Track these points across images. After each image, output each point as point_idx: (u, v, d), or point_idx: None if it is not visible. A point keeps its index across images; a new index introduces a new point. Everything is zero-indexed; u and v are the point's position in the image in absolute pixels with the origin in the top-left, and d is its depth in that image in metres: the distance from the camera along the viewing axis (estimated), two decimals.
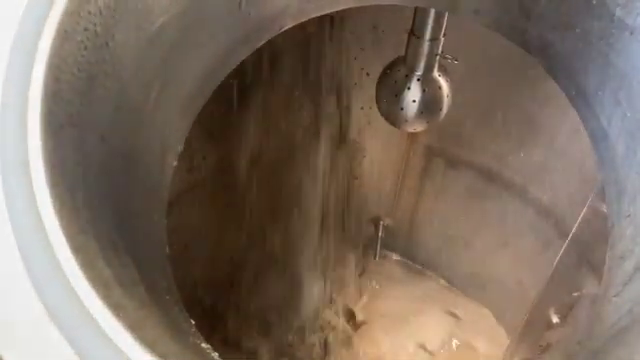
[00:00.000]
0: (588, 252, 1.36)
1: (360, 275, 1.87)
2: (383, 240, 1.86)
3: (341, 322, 1.74)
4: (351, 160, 1.71)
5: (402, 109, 1.09)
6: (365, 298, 1.81)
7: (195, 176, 1.46)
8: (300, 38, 1.33)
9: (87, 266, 0.44)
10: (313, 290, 1.72)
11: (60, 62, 0.52)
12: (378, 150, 1.70)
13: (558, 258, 1.40)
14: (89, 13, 0.55)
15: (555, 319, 1.50)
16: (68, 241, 0.44)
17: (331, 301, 1.78)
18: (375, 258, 1.88)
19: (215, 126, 1.39)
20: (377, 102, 1.15)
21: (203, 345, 0.63)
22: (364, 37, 1.42)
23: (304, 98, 1.52)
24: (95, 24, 0.56)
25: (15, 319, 0.42)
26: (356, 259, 1.88)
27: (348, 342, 1.70)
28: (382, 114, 1.14)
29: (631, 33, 0.64)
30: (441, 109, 1.10)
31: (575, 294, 1.44)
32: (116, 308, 0.44)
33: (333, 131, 1.61)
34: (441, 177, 1.68)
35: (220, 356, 0.55)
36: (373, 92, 1.22)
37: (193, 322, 0.68)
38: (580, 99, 0.75)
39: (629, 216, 0.68)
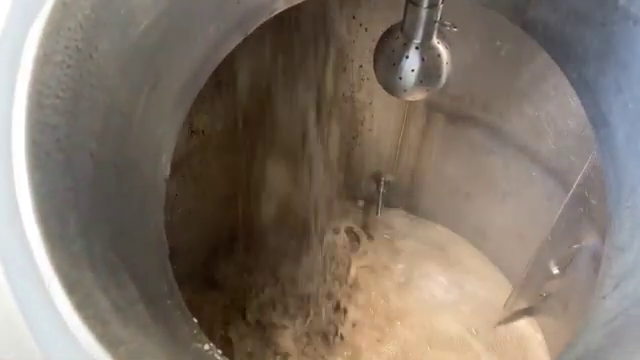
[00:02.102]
0: (589, 206, 1.36)
1: (362, 229, 1.88)
2: (385, 196, 1.86)
3: (346, 276, 1.77)
4: (351, 116, 1.69)
5: (400, 78, 1.06)
6: (368, 251, 1.84)
7: (194, 142, 1.45)
8: None
9: (82, 305, 0.45)
10: (315, 247, 1.74)
11: (42, 87, 0.50)
12: (378, 106, 1.67)
13: (560, 211, 1.41)
14: (69, 30, 0.53)
15: (555, 270, 1.53)
16: (61, 280, 0.45)
17: (334, 257, 1.80)
18: (377, 214, 1.89)
19: (209, 88, 1.37)
20: (375, 71, 1.12)
21: (206, 347, 0.65)
22: None
23: (301, 56, 1.49)
24: (76, 39, 0.54)
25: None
26: (358, 214, 1.90)
27: (354, 296, 1.73)
28: (380, 83, 1.11)
29: (634, 22, 0.61)
30: (440, 77, 1.07)
31: (575, 246, 1.46)
32: (112, 345, 0.44)
33: (331, 88, 1.58)
34: (442, 132, 1.66)
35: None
36: (371, 48, 1.19)
37: (196, 320, 0.70)
38: (581, 84, 0.73)
39: (628, 207, 0.68)
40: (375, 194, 1.87)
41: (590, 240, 1.40)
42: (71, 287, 0.45)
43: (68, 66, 0.53)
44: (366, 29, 1.50)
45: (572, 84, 0.75)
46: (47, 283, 0.43)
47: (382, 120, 1.70)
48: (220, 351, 0.68)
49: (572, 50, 0.70)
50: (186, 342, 0.61)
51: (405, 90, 1.08)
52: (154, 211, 0.70)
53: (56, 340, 0.43)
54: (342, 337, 1.64)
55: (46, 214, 0.47)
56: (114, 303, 0.50)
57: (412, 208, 1.93)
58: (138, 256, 0.61)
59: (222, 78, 1.38)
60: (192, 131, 1.43)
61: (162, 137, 0.72)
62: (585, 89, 0.72)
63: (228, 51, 0.79)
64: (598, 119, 0.72)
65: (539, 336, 1.68)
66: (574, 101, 1.30)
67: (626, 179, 0.68)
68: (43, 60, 0.50)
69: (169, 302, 0.64)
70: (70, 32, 0.53)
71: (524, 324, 1.70)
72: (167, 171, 0.72)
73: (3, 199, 0.47)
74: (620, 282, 0.63)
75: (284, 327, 1.64)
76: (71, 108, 0.54)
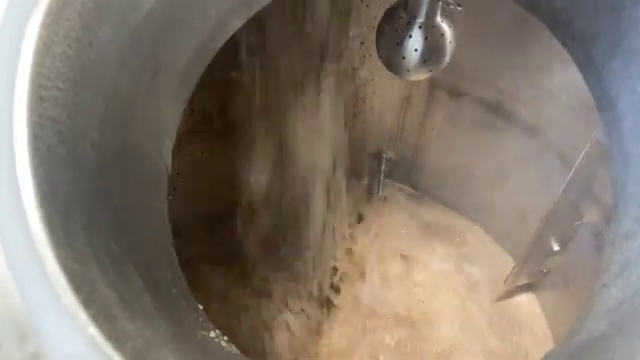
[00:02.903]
0: (591, 183, 1.36)
1: (363, 206, 1.89)
2: (386, 173, 1.86)
3: (346, 252, 1.78)
4: (352, 93, 1.68)
5: (404, 58, 1.05)
6: (369, 228, 1.84)
7: (196, 118, 1.44)
8: None
9: (89, 301, 0.45)
10: (317, 221, 1.75)
11: (42, 80, 0.49)
12: (380, 83, 1.65)
13: (562, 189, 1.40)
14: (68, 20, 0.52)
15: (556, 247, 1.54)
16: (67, 277, 0.44)
17: (334, 231, 1.81)
18: (378, 191, 1.89)
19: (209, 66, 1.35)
20: (378, 51, 1.10)
21: (212, 334, 0.65)
22: None
23: (302, 32, 1.47)
24: (75, 29, 0.53)
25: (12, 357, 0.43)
26: (359, 191, 1.90)
27: (353, 270, 1.75)
28: (383, 63, 1.10)
29: None
30: (444, 57, 1.05)
31: (576, 223, 1.46)
32: (120, 341, 0.44)
33: (333, 65, 1.56)
34: (444, 109, 1.65)
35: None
36: (373, 24, 1.17)
37: (201, 307, 0.70)
38: (589, 68, 0.71)
39: (634, 194, 0.67)
40: (376, 171, 1.86)
41: (591, 217, 1.41)
42: (77, 284, 0.45)
43: (68, 57, 0.52)
44: (367, 5, 1.47)
45: (579, 68, 0.73)
46: (53, 280, 0.43)
47: (384, 97, 1.68)
48: (226, 337, 0.68)
49: (580, 34, 0.69)
50: (192, 331, 0.62)
51: (408, 70, 1.06)
52: (157, 199, 0.69)
53: (63, 337, 0.43)
54: (336, 306, 1.66)
55: (50, 210, 0.47)
56: (120, 297, 0.50)
57: (413, 185, 1.93)
58: (142, 246, 0.61)
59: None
60: (193, 110, 1.42)
61: (165, 123, 0.71)
62: (593, 73, 0.71)
63: (229, 35, 0.77)
64: (605, 103, 0.71)
65: (540, 311, 1.70)
66: (578, 79, 1.29)
67: (632, 165, 0.68)
68: (43, 53, 0.49)
69: (174, 291, 0.64)
70: (69, 22, 0.52)
71: (525, 299, 1.72)
72: (169, 159, 0.71)
73: (7, 197, 0.46)
74: (624, 270, 0.63)
75: (284, 299, 1.65)
76: (72, 99, 0.54)
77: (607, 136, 0.72)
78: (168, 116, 0.72)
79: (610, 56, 0.67)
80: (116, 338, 0.44)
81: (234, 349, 0.66)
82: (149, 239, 0.65)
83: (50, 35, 0.50)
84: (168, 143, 0.73)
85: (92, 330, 0.43)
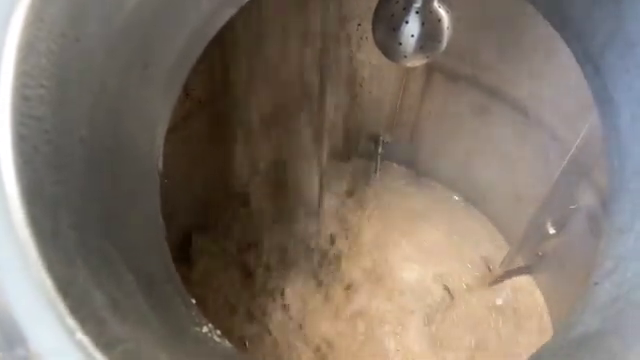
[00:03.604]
0: (588, 168, 1.36)
1: (360, 189, 1.88)
2: (383, 156, 1.85)
3: (343, 233, 1.78)
4: (350, 76, 1.66)
5: (400, 44, 1.03)
6: (366, 211, 1.84)
7: (189, 105, 1.43)
8: None
9: (77, 306, 0.44)
10: (313, 203, 1.75)
11: (26, 79, 0.48)
12: (377, 66, 1.64)
13: (558, 173, 1.40)
14: (52, 15, 0.50)
15: (552, 230, 1.54)
16: (54, 282, 0.44)
17: (331, 212, 1.81)
18: (375, 174, 1.88)
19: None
20: (374, 36, 1.08)
21: (204, 330, 0.65)
22: None
23: (297, 15, 1.45)
24: (60, 25, 0.52)
25: None
26: (356, 174, 1.89)
27: (351, 249, 1.75)
28: (379, 49, 1.08)
29: None
30: (441, 43, 1.04)
31: (572, 207, 1.46)
32: (109, 346, 0.44)
33: (329, 48, 1.54)
34: (442, 92, 1.64)
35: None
36: (371, 5, 1.15)
37: (194, 301, 0.70)
38: (586, 59, 0.70)
39: (630, 189, 0.67)
40: (374, 154, 1.85)
41: (587, 201, 1.41)
42: (65, 288, 0.44)
43: (53, 53, 0.51)
44: None
45: (576, 59, 0.72)
46: (40, 285, 0.43)
47: (381, 80, 1.67)
48: (219, 332, 0.68)
49: (578, 25, 0.68)
50: (185, 327, 0.61)
51: (405, 56, 1.05)
52: (150, 193, 0.68)
53: (52, 343, 0.43)
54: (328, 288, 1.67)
55: (36, 212, 0.46)
56: (111, 298, 0.49)
57: (410, 168, 1.92)
58: (134, 242, 0.61)
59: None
60: (187, 94, 1.40)
61: (156, 116, 0.70)
62: (590, 65, 0.70)
63: (222, 24, 0.76)
64: (603, 96, 0.70)
65: (536, 292, 1.71)
66: (575, 64, 1.28)
67: (629, 160, 0.67)
68: (26, 50, 0.48)
69: (167, 287, 0.64)
70: (53, 17, 0.51)
71: (522, 281, 1.73)
72: (160, 154, 0.70)
73: None
74: (619, 265, 0.63)
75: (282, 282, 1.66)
76: (58, 96, 0.52)
77: (604, 129, 0.71)
78: (159, 109, 0.71)
79: (608, 49, 0.66)
80: (105, 343, 0.44)
81: (227, 343, 0.66)
82: (142, 235, 0.64)
83: (34, 32, 0.48)
84: (159, 137, 0.72)
85: (80, 336, 0.42)
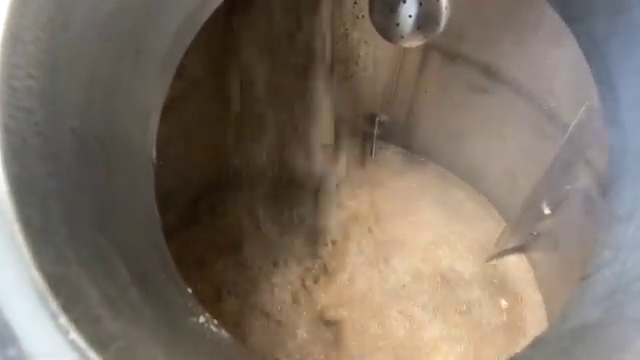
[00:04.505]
0: (585, 148, 1.35)
1: (356, 169, 1.88)
2: (379, 136, 1.84)
3: (340, 212, 1.78)
4: (345, 55, 1.64)
5: (398, 25, 1.01)
6: (362, 190, 1.84)
7: (184, 85, 1.40)
8: None
9: (69, 305, 0.43)
10: (309, 183, 1.74)
11: (13, 69, 0.46)
12: (373, 44, 1.61)
13: (555, 153, 1.40)
14: (37, 2, 0.48)
15: (547, 211, 1.54)
16: (46, 280, 0.43)
17: (328, 194, 1.80)
18: (371, 154, 1.87)
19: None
20: (371, 17, 1.06)
21: (201, 320, 0.65)
22: None
23: None
24: (47, 11, 0.50)
25: None
26: (352, 155, 1.88)
27: (348, 229, 1.75)
28: (376, 29, 1.06)
29: None
30: (439, 23, 1.02)
31: (568, 187, 1.46)
32: (103, 345, 0.43)
33: (325, 27, 1.52)
34: (438, 71, 1.62)
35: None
36: None
37: (190, 290, 0.69)
38: (589, 43, 0.69)
39: (631, 176, 0.66)
40: (369, 134, 1.84)
41: (583, 182, 1.40)
42: (57, 287, 0.43)
43: (41, 41, 0.49)
44: None
45: (579, 42, 0.71)
46: (31, 284, 0.42)
47: (377, 59, 1.65)
48: (216, 321, 0.68)
49: (581, 9, 0.66)
50: (181, 318, 0.61)
51: (402, 37, 1.03)
52: (144, 182, 0.67)
53: (45, 343, 0.42)
54: (327, 268, 1.67)
55: (27, 207, 0.45)
56: (105, 294, 0.48)
57: (407, 147, 1.91)
58: (129, 234, 0.59)
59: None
60: (182, 75, 1.38)
61: (149, 104, 0.68)
62: (593, 49, 0.68)
63: (216, 6, 0.74)
64: (605, 80, 0.69)
65: (530, 272, 1.72)
66: (575, 44, 1.26)
67: (630, 146, 0.66)
68: (12, 40, 0.46)
69: (162, 277, 0.63)
70: (39, 2, 0.49)
71: (515, 260, 1.73)
72: (154, 143, 0.69)
73: None
74: (619, 254, 0.62)
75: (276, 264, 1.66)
76: (48, 86, 0.51)
77: (605, 114, 0.70)
78: (152, 97, 0.69)
79: (611, 34, 0.64)
80: (99, 342, 0.43)
81: (224, 332, 0.66)
82: (136, 226, 0.63)
83: (18, 19, 0.46)
84: (153, 126, 0.70)
85: (74, 335, 0.41)
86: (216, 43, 1.42)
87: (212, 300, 1.53)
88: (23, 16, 0.47)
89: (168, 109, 1.31)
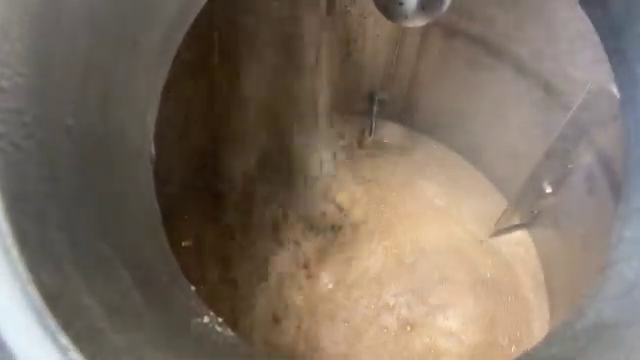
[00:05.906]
0: (588, 127, 1.33)
1: (356, 148, 1.85)
2: (379, 114, 1.81)
3: (341, 191, 1.77)
4: (344, 32, 1.60)
5: (401, 4, 0.97)
6: (362, 168, 1.82)
7: (181, 63, 1.36)
8: None
9: (69, 322, 0.41)
10: (310, 165, 1.72)
11: (2, 69, 0.43)
12: (373, 21, 1.57)
13: (557, 132, 1.38)
14: None
15: (548, 189, 1.53)
16: (43, 298, 0.40)
17: (325, 171, 1.78)
18: (371, 133, 1.84)
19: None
20: None
21: (205, 320, 0.63)
22: None
23: None
24: (35, 5, 0.46)
25: None
26: (352, 133, 1.86)
27: (349, 207, 1.74)
28: (379, 9, 1.02)
29: None
30: (444, 2, 0.98)
31: (570, 166, 1.45)
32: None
33: (323, 3, 1.48)
34: (439, 48, 1.58)
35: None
36: None
37: (193, 288, 0.67)
38: (608, 28, 0.66)
39: None
40: (369, 112, 1.81)
41: (586, 160, 1.39)
42: (54, 303, 0.40)
43: (30, 37, 0.46)
44: None
45: (595, 27, 0.68)
46: (27, 302, 0.39)
47: (376, 36, 1.61)
48: (220, 319, 0.66)
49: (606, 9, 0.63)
50: (186, 320, 0.59)
51: (406, 17, 1.00)
52: (143, 177, 0.64)
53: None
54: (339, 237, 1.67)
55: (21, 217, 0.42)
56: (106, 303, 0.46)
57: (407, 126, 1.89)
58: (130, 234, 0.57)
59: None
60: (179, 56, 1.34)
61: (146, 97, 0.65)
62: (611, 35, 0.65)
63: None
64: (622, 67, 0.66)
65: (532, 250, 1.71)
66: (581, 21, 1.23)
67: None
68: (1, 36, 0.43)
69: (165, 278, 0.61)
70: None
71: (517, 237, 1.73)
72: (151, 137, 0.66)
73: None
74: (636, 249, 0.61)
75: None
76: (39, 84, 0.47)
77: (621, 101, 0.67)
78: (149, 90, 0.66)
79: (631, 18, 0.61)
80: (102, 358, 0.41)
81: (229, 332, 0.64)
82: (137, 225, 0.60)
83: (5, 15, 0.43)
84: (150, 120, 0.67)
85: (74, 355, 0.39)
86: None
87: None
88: (9, 11, 0.43)
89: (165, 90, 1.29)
